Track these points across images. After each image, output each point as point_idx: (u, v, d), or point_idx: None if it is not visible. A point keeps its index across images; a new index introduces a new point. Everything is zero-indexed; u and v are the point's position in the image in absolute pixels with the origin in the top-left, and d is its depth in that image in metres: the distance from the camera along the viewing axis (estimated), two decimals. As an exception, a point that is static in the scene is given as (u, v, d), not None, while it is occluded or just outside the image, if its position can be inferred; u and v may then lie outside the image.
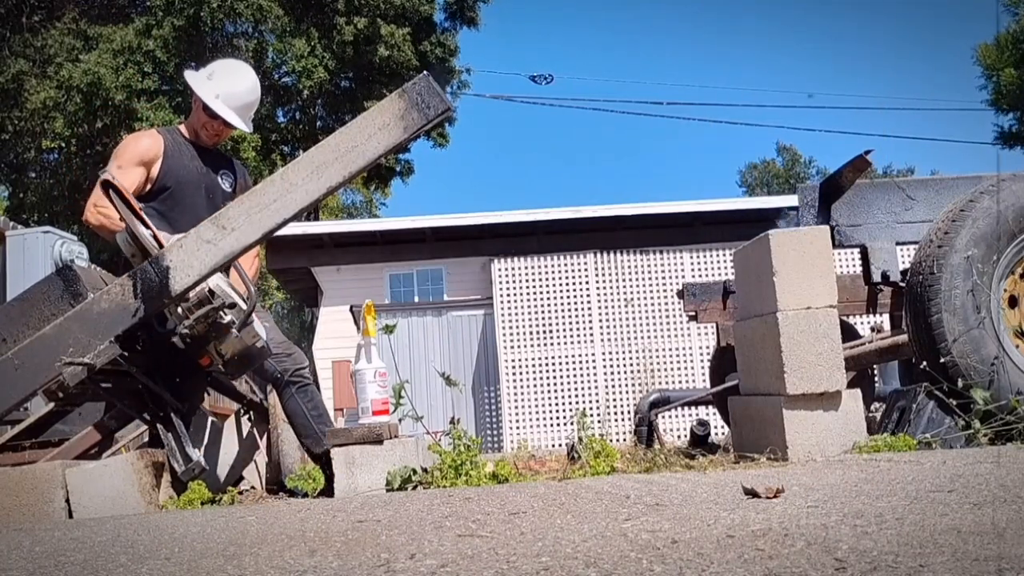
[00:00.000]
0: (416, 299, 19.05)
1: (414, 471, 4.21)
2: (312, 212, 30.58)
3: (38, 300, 4.39)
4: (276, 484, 5.09)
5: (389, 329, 5.13)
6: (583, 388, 16.86)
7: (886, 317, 6.99)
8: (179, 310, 4.21)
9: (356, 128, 4.10)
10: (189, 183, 5.23)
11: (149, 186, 5.12)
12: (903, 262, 5.98)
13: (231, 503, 4.17)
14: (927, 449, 4.28)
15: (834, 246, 5.38)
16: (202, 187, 5.26)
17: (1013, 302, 4.84)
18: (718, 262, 17.17)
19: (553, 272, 17.24)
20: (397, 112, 4.04)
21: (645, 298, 17.19)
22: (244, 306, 4.36)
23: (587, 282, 17.22)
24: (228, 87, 5.34)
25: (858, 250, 6.30)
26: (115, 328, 4.14)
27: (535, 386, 16.84)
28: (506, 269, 17.20)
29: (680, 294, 7.81)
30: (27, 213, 21.68)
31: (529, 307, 17.09)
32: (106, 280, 4.62)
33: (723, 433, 9.16)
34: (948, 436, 4.43)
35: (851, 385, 4.61)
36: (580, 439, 4.50)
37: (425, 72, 4.10)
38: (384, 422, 4.39)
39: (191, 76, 5.43)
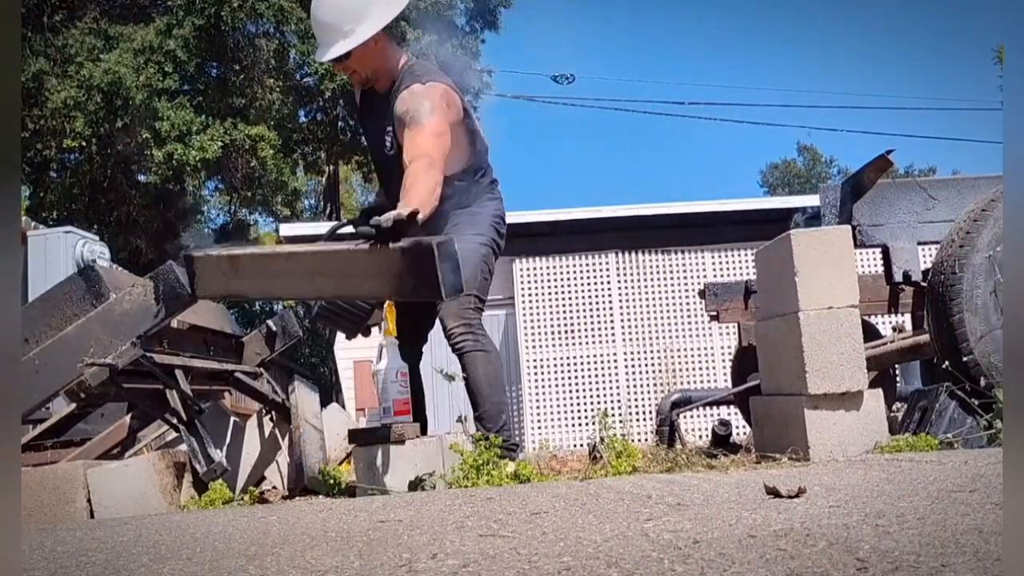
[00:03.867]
0: (437, 299, 19.02)
1: (435, 471, 4.23)
2: (335, 211, 30.64)
3: (60, 300, 4.41)
4: (297, 485, 5.11)
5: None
6: (605, 388, 16.84)
7: (908, 317, 6.99)
8: None
9: None
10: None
11: None
12: (925, 262, 5.97)
13: (252, 503, 4.19)
14: (949, 449, 4.27)
15: (856, 246, 5.37)
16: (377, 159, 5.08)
17: (1035, 301, 4.82)
18: (739, 262, 17.13)
19: (575, 272, 17.23)
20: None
21: (666, 298, 17.17)
22: None
23: (608, 282, 17.21)
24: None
25: (880, 250, 6.29)
26: (137, 329, 4.17)
27: (556, 386, 16.82)
28: (528, 269, 17.20)
29: (702, 294, 7.82)
30: (47, 212, 21.73)
31: (551, 307, 17.08)
32: (128, 280, 4.64)
33: (745, 433, 9.14)
34: (970, 436, 4.42)
35: (873, 385, 4.60)
36: (602, 439, 4.51)
37: None
38: (406, 422, 4.39)
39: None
